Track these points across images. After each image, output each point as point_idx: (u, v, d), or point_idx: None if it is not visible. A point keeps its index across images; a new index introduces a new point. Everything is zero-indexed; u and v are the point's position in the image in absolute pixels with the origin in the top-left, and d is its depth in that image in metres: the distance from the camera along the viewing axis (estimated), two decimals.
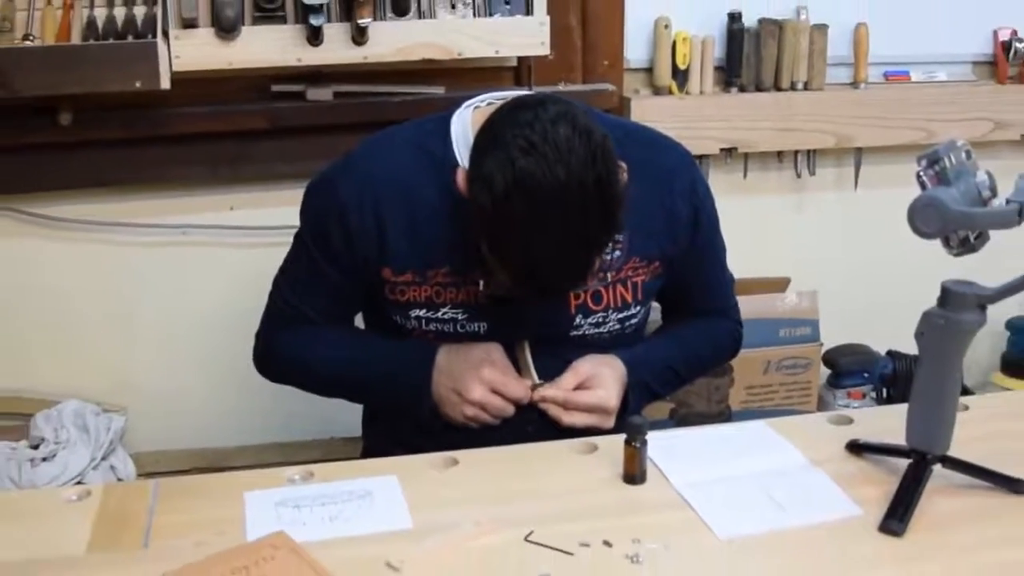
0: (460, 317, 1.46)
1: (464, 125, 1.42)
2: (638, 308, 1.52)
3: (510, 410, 1.43)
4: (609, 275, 1.46)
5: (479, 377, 1.42)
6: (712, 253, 1.59)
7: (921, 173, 1.14)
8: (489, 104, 1.40)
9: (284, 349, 1.57)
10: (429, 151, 1.43)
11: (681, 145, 1.56)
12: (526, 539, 1.11)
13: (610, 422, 1.45)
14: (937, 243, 1.13)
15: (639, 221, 1.41)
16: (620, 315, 1.50)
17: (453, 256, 1.42)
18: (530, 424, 1.43)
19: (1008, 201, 1.09)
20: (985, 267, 1.21)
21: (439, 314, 1.46)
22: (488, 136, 1.25)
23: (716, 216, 1.56)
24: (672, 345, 1.61)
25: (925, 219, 1.10)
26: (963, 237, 1.13)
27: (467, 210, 1.27)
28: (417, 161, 1.43)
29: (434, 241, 1.42)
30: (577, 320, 1.47)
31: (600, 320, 1.49)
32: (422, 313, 1.46)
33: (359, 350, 1.55)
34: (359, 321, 1.64)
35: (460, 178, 1.29)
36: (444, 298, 1.45)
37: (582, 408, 1.43)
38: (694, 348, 1.62)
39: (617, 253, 1.44)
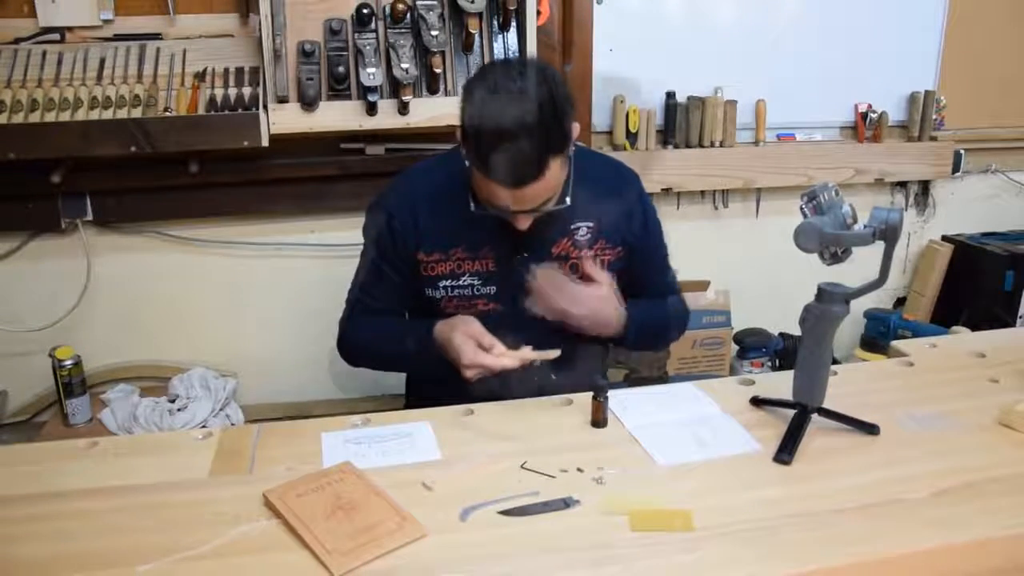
0: (476, 283, 1.46)
1: None
2: None
3: (502, 362, 1.28)
4: (584, 252, 1.45)
5: (461, 343, 1.30)
6: (659, 249, 1.59)
7: (803, 206, 1.14)
8: None
9: (354, 336, 1.53)
10: (448, 166, 1.45)
11: (633, 170, 1.58)
12: (522, 467, 1.11)
13: (605, 314, 1.39)
14: (815, 256, 1.13)
15: (604, 212, 1.45)
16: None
17: (467, 236, 1.43)
18: (536, 375, 1.34)
19: (865, 226, 1.09)
20: (849, 273, 1.20)
21: (460, 282, 1.46)
22: (479, 74, 1.31)
23: (659, 223, 1.56)
24: (650, 304, 1.53)
25: (806, 239, 1.11)
26: (833, 252, 1.12)
27: (463, 141, 1.29)
28: (440, 173, 1.47)
29: (453, 226, 1.43)
30: None
31: None
32: (448, 283, 1.46)
33: (403, 340, 1.44)
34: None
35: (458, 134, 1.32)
36: (463, 269, 1.45)
37: (596, 277, 1.39)
38: (664, 307, 1.55)
39: (588, 235, 1.46)
